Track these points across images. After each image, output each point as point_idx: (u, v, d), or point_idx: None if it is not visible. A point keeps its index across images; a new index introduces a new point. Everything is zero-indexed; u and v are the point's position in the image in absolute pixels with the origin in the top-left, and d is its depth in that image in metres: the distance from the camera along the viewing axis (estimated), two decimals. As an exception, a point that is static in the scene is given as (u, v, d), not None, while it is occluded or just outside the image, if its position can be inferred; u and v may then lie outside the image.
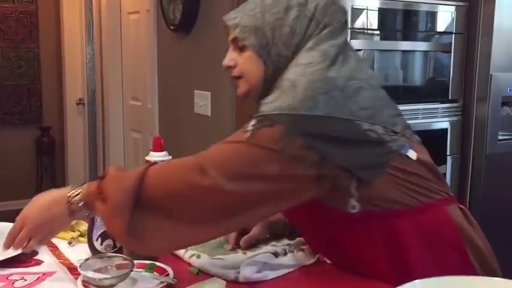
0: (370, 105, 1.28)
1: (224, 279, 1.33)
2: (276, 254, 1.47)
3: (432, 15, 2.82)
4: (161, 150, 1.70)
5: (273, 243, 1.57)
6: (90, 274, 1.29)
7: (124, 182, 1.22)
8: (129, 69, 4.67)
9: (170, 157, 1.69)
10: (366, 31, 2.62)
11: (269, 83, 1.34)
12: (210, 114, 3.19)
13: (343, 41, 1.36)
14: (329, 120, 1.22)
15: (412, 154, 1.31)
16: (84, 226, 1.64)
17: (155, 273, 1.35)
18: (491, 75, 2.78)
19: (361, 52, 2.60)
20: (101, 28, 4.93)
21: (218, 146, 1.27)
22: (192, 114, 3.40)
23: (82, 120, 5.70)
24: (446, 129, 2.87)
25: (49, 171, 5.86)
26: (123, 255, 1.36)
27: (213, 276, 1.36)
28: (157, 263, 1.39)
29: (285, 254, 1.49)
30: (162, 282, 1.30)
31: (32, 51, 5.67)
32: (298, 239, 1.59)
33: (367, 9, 2.58)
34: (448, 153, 2.88)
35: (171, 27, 3.58)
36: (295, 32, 1.33)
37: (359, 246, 1.35)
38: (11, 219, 1.69)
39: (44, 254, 1.50)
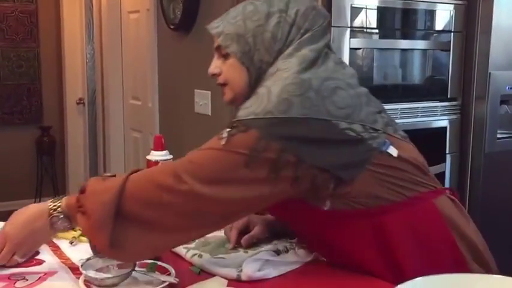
0: (348, 104, 1.29)
1: (226, 278, 1.34)
2: (277, 252, 1.48)
3: (431, 14, 2.83)
4: (162, 149, 1.71)
5: (274, 241, 1.57)
6: (92, 274, 1.30)
7: (104, 196, 1.24)
8: (129, 69, 4.66)
9: (171, 156, 1.70)
10: (364, 30, 2.62)
11: (253, 89, 1.36)
12: (210, 114, 3.20)
13: (324, 44, 1.38)
14: (305, 122, 1.24)
15: (393, 151, 1.32)
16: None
17: (157, 272, 1.35)
18: (489, 73, 2.78)
19: (360, 51, 2.61)
20: (101, 27, 4.93)
21: (194, 153, 1.29)
22: (192, 114, 3.40)
23: (82, 120, 5.69)
24: (445, 127, 2.88)
25: (49, 171, 5.86)
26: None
27: (215, 275, 1.36)
28: (159, 263, 1.39)
29: (287, 251, 1.49)
30: (163, 281, 1.30)
31: (32, 50, 5.67)
32: (298, 237, 1.61)
33: (366, 8, 2.58)
34: (447, 152, 2.89)
35: (171, 27, 3.58)
36: (276, 38, 1.35)
37: (349, 244, 1.36)
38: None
39: (45, 254, 1.50)
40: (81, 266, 1.32)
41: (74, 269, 1.39)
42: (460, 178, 2.92)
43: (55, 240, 1.57)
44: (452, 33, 2.83)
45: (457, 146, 2.92)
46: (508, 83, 2.85)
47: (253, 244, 1.54)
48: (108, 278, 1.29)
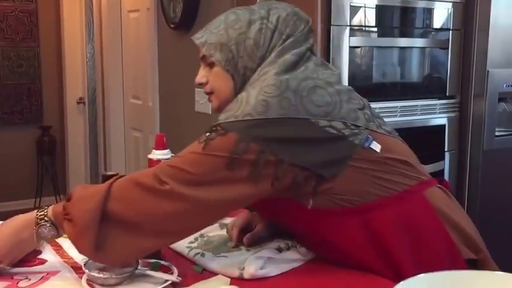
0: (327, 102, 1.31)
1: (228, 277, 1.34)
2: (279, 250, 1.48)
3: (429, 12, 2.83)
4: (164, 148, 1.72)
5: (276, 239, 1.58)
6: (95, 273, 1.30)
7: (89, 202, 1.26)
8: (129, 68, 4.67)
9: (173, 155, 1.71)
10: (363, 28, 2.63)
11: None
12: (210, 112, 3.20)
13: (306, 49, 1.41)
14: (283, 122, 1.27)
15: (376, 146, 1.34)
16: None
17: (160, 271, 1.35)
18: (488, 71, 2.78)
19: (359, 49, 2.62)
20: (101, 27, 4.93)
21: (174, 158, 1.33)
22: (192, 112, 3.41)
23: (82, 119, 5.70)
24: (444, 125, 2.87)
25: (50, 170, 5.87)
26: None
27: (217, 274, 1.37)
28: (162, 262, 1.40)
29: (288, 249, 1.50)
30: (166, 280, 1.30)
31: (32, 50, 5.67)
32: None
33: (364, 7, 2.59)
34: (446, 149, 2.89)
35: (172, 26, 3.59)
36: (259, 45, 1.39)
37: (343, 243, 1.38)
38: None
39: (47, 253, 1.50)
40: (84, 265, 1.33)
41: (77, 268, 1.39)
42: (459, 175, 2.92)
43: (57, 240, 1.56)
44: (450, 31, 2.83)
45: (456, 143, 2.92)
46: (505, 80, 2.85)
47: (255, 242, 1.55)
48: (111, 277, 1.30)
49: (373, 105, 2.52)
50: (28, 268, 1.40)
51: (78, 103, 5.67)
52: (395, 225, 1.33)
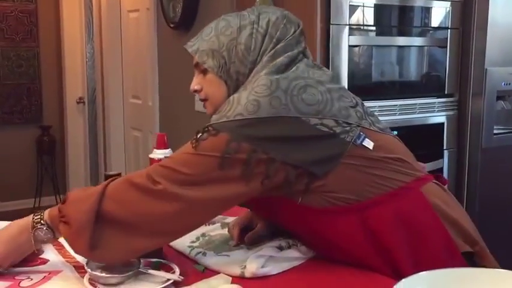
0: (318, 101, 1.33)
1: (230, 276, 1.35)
2: (280, 248, 1.49)
3: (428, 11, 2.84)
4: (165, 148, 1.73)
5: (277, 238, 1.57)
6: (97, 272, 1.30)
7: (84, 204, 1.28)
8: (129, 68, 4.67)
9: (173, 154, 1.72)
10: (362, 27, 2.64)
11: None
12: (210, 112, 3.21)
13: (298, 52, 1.43)
14: (274, 121, 1.28)
15: (369, 143, 1.35)
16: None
17: (161, 271, 1.36)
18: (486, 69, 2.79)
19: (358, 48, 2.62)
20: (101, 26, 4.93)
21: (167, 159, 1.34)
22: (192, 112, 3.42)
23: (82, 119, 5.70)
24: (443, 123, 2.88)
25: (50, 170, 5.86)
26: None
27: (219, 273, 1.37)
28: (164, 261, 1.40)
29: (289, 247, 1.50)
30: (168, 279, 1.31)
31: (32, 50, 5.67)
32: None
33: (363, 6, 2.60)
34: (444, 148, 2.90)
35: (171, 25, 3.60)
36: (250, 49, 1.40)
37: (342, 241, 1.39)
38: (12, 219, 1.71)
39: (49, 253, 1.49)
40: (86, 264, 1.33)
41: (79, 268, 1.39)
42: (458, 174, 2.93)
43: (59, 239, 1.56)
44: (448, 30, 2.84)
45: (455, 141, 2.92)
46: (504, 79, 2.86)
47: (256, 241, 1.55)
48: (113, 276, 1.30)
49: (373, 103, 2.57)
50: (30, 268, 1.40)
51: (77, 103, 5.67)
52: (393, 222, 1.34)
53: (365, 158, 1.34)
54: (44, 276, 1.36)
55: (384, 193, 1.35)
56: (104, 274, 1.30)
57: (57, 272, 1.39)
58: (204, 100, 1.49)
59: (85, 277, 1.32)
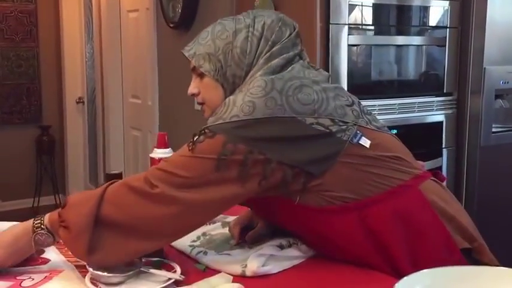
0: (314, 100, 1.33)
1: (231, 274, 1.34)
2: (280, 247, 1.49)
3: (427, 10, 2.85)
4: (166, 147, 1.74)
5: (278, 237, 1.57)
6: (99, 271, 1.30)
7: (83, 208, 1.29)
8: (129, 67, 4.67)
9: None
10: (360, 27, 2.64)
11: None
12: (210, 111, 3.21)
13: (294, 54, 1.44)
14: (270, 121, 1.29)
15: (366, 142, 1.36)
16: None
17: (163, 270, 1.36)
18: (484, 68, 2.80)
19: (358, 47, 2.63)
20: (101, 27, 4.92)
21: (165, 162, 1.34)
22: (192, 111, 3.42)
23: (82, 119, 5.70)
24: (442, 122, 2.89)
25: (49, 170, 5.87)
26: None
27: (220, 272, 1.37)
28: (165, 260, 1.41)
29: (290, 246, 1.51)
30: (169, 279, 1.31)
31: (32, 50, 5.68)
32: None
33: (361, 5, 2.60)
34: (443, 146, 2.91)
35: (171, 25, 3.61)
36: (245, 52, 1.41)
37: (342, 240, 1.39)
38: (11, 218, 1.70)
39: (51, 252, 1.49)
40: (88, 264, 1.32)
41: (80, 267, 1.39)
42: (457, 172, 2.93)
43: (61, 239, 1.59)
44: (447, 29, 2.85)
45: (453, 140, 2.93)
46: (502, 77, 2.87)
47: (257, 240, 1.56)
48: (115, 276, 1.30)
49: (372, 102, 2.58)
50: (31, 267, 1.40)
51: (77, 103, 5.68)
52: (391, 220, 1.34)
53: (362, 157, 1.35)
54: (45, 276, 1.36)
55: (382, 191, 1.35)
56: (105, 273, 1.30)
57: (58, 272, 1.39)
58: (201, 103, 1.50)
59: (86, 276, 1.32)
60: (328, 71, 2.45)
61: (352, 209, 1.34)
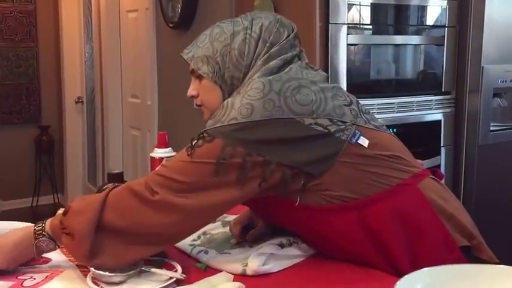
0: (312, 100, 1.34)
1: (232, 273, 1.35)
2: (281, 245, 1.49)
3: (425, 9, 2.86)
4: (166, 147, 1.75)
5: (278, 235, 1.57)
6: (100, 271, 1.31)
7: (86, 215, 1.30)
8: (128, 67, 4.67)
9: (175, 153, 1.72)
10: (359, 26, 2.65)
11: None
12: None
13: (292, 55, 1.45)
14: (267, 123, 1.29)
15: (364, 141, 1.36)
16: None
17: (164, 269, 1.37)
18: (482, 67, 2.80)
19: (357, 47, 2.64)
20: (100, 27, 4.92)
21: (164, 168, 1.35)
22: (191, 111, 3.42)
23: (81, 119, 5.70)
24: (440, 121, 2.89)
25: (48, 170, 5.88)
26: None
27: (221, 271, 1.38)
28: (166, 260, 1.42)
29: (290, 244, 1.51)
30: (170, 278, 1.32)
31: (31, 50, 5.68)
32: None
33: (359, 5, 2.61)
34: (442, 145, 2.91)
35: (170, 25, 3.61)
36: (243, 54, 1.42)
37: (342, 240, 1.40)
38: (10, 218, 1.71)
39: (52, 252, 1.45)
40: (89, 263, 1.34)
41: (82, 267, 1.39)
42: (455, 170, 2.94)
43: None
44: (446, 29, 2.85)
45: (452, 139, 2.94)
46: (500, 76, 2.87)
47: (257, 239, 1.56)
48: (116, 275, 1.31)
49: (371, 101, 2.59)
50: (33, 267, 1.41)
51: (76, 102, 5.68)
52: (391, 219, 1.35)
53: (361, 156, 1.35)
54: (47, 276, 1.37)
55: (381, 190, 1.36)
56: (106, 273, 1.31)
57: (59, 271, 1.40)
58: (200, 106, 1.50)
59: (88, 276, 1.33)
60: (327, 71, 2.47)
61: (352, 208, 1.35)
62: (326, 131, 1.32)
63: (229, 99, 1.36)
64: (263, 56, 1.42)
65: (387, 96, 2.72)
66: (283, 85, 1.34)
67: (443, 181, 1.57)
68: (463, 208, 1.51)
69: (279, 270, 1.41)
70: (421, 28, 2.87)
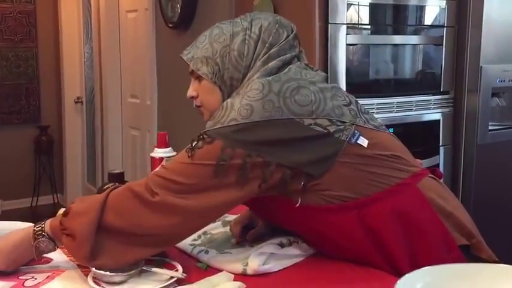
0: (311, 101, 1.34)
1: (232, 273, 1.35)
2: (281, 245, 1.50)
3: (424, 9, 2.86)
4: (166, 147, 1.75)
5: (278, 235, 1.57)
6: (101, 271, 1.31)
7: (86, 216, 1.30)
8: (127, 67, 4.67)
9: (175, 153, 1.73)
10: (357, 26, 2.65)
11: None
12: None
13: (291, 56, 1.45)
14: (267, 124, 1.30)
15: (364, 141, 1.36)
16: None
17: (164, 269, 1.37)
18: (481, 67, 2.80)
19: (356, 47, 2.64)
20: (100, 27, 4.92)
21: (164, 169, 1.35)
22: (190, 111, 3.42)
23: (80, 119, 5.70)
24: (439, 120, 2.90)
25: (47, 170, 5.87)
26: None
27: (222, 270, 1.38)
28: (167, 259, 1.42)
29: (290, 244, 1.51)
30: (171, 277, 1.32)
31: (31, 50, 5.68)
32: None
33: (358, 5, 2.61)
34: (440, 144, 2.91)
35: (170, 25, 3.61)
36: (243, 55, 1.42)
37: (341, 238, 1.40)
38: (10, 218, 1.72)
39: (53, 252, 1.45)
40: (90, 263, 1.35)
41: (83, 267, 1.39)
42: (454, 170, 2.94)
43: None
44: (444, 28, 2.86)
45: (450, 138, 2.94)
46: (498, 76, 2.88)
47: (258, 238, 1.56)
48: (117, 275, 1.31)
49: (370, 101, 2.60)
50: (34, 267, 1.41)
51: (76, 103, 5.67)
52: (391, 219, 1.35)
53: (360, 156, 1.35)
54: (48, 276, 1.37)
55: (380, 190, 1.36)
56: (107, 273, 1.31)
57: (61, 271, 1.40)
58: (199, 107, 1.50)
59: (89, 276, 1.33)
60: (327, 70, 2.47)
61: (352, 207, 1.35)
62: (325, 131, 1.32)
63: (229, 100, 1.36)
64: (262, 56, 1.42)
65: (386, 96, 2.73)
66: (283, 86, 1.34)
67: (442, 180, 1.57)
68: (462, 207, 1.51)
69: (279, 270, 1.42)
70: (419, 28, 2.88)
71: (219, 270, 1.39)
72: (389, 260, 1.37)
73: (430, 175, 1.49)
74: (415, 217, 1.38)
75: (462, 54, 2.87)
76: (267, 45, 1.43)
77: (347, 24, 2.54)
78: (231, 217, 1.71)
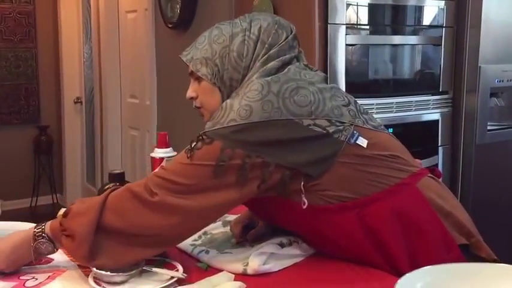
0: (310, 101, 1.34)
1: (233, 273, 1.36)
2: (281, 245, 1.50)
3: (423, 10, 2.87)
4: (166, 147, 1.75)
5: (279, 235, 1.58)
6: (102, 271, 1.31)
7: (86, 217, 1.31)
8: (127, 68, 4.68)
9: (175, 153, 1.73)
10: (356, 26, 2.66)
11: None
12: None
13: (290, 57, 1.45)
14: (266, 125, 1.30)
15: (363, 142, 1.37)
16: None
17: (165, 269, 1.37)
18: (479, 67, 2.81)
19: (356, 47, 2.65)
20: (99, 27, 4.92)
21: (164, 170, 1.36)
22: (190, 111, 3.42)
23: (80, 119, 5.70)
24: (437, 120, 2.90)
25: (47, 170, 5.87)
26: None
27: (222, 270, 1.38)
28: (167, 259, 1.43)
29: (290, 244, 1.52)
30: (172, 277, 1.32)
31: (30, 50, 5.68)
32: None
33: (357, 5, 2.61)
34: (439, 144, 2.92)
35: (169, 25, 3.61)
36: (242, 56, 1.43)
37: (341, 238, 1.41)
38: (9, 218, 1.71)
39: None
40: (90, 263, 1.35)
41: (83, 267, 1.40)
42: (452, 169, 2.94)
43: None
44: (443, 29, 2.86)
45: (449, 138, 2.94)
46: (497, 76, 2.88)
47: (258, 238, 1.57)
48: (118, 275, 1.32)
49: (370, 101, 2.61)
50: (35, 267, 1.41)
51: (75, 103, 5.67)
52: (390, 219, 1.36)
53: (359, 156, 1.36)
54: (49, 276, 1.37)
55: (380, 190, 1.37)
56: (108, 273, 1.31)
57: (61, 271, 1.40)
58: (199, 107, 1.51)
59: (90, 276, 1.34)
60: (326, 71, 2.48)
61: (351, 208, 1.36)
62: (325, 131, 1.33)
63: (228, 101, 1.37)
64: (262, 57, 1.42)
65: (385, 96, 2.73)
66: (282, 86, 1.35)
67: (440, 179, 1.58)
68: (461, 206, 1.52)
69: (280, 270, 1.42)
70: (418, 28, 2.88)
71: (220, 270, 1.39)
72: (389, 259, 1.37)
73: (429, 175, 1.50)
74: (415, 217, 1.38)
75: (461, 55, 2.87)
76: (266, 45, 1.43)
77: (346, 24, 2.55)
78: (231, 217, 1.71)
